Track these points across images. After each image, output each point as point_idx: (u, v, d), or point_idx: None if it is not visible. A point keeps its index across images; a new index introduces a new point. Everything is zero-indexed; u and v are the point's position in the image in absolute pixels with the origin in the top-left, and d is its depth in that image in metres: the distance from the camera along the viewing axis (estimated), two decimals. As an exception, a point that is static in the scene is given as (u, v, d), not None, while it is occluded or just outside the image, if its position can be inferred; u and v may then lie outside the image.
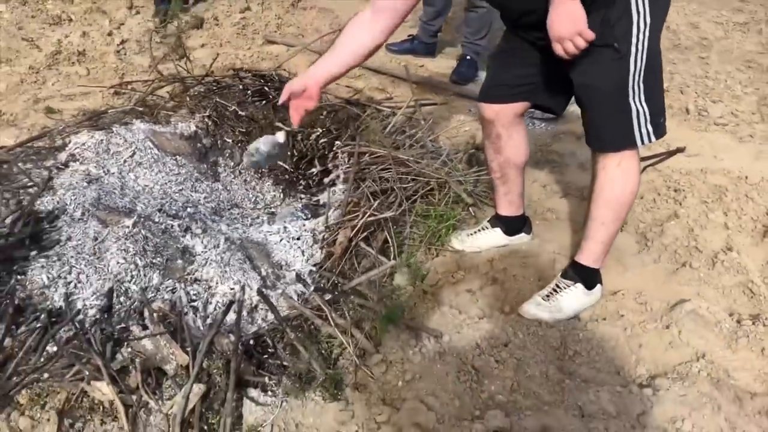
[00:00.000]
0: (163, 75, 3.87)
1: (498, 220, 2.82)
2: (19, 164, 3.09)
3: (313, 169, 3.56)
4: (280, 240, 2.85)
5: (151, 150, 3.41)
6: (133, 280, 2.48)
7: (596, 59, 1.96)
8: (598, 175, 2.20)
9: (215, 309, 2.43)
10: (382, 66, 4.59)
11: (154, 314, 2.23)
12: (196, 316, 2.38)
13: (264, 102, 3.71)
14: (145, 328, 2.22)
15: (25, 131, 3.41)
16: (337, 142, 3.19)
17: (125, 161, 3.29)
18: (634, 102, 2.01)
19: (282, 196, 3.69)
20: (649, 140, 2.09)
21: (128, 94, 3.80)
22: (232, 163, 3.70)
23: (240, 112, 3.61)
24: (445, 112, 3.95)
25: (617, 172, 2.14)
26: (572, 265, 2.45)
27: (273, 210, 3.57)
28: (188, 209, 3.11)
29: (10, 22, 4.81)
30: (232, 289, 2.50)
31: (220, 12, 5.34)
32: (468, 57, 4.58)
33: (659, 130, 2.09)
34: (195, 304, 2.42)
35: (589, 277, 2.40)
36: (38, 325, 2.25)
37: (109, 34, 4.68)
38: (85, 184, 3.02)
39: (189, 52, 4.26)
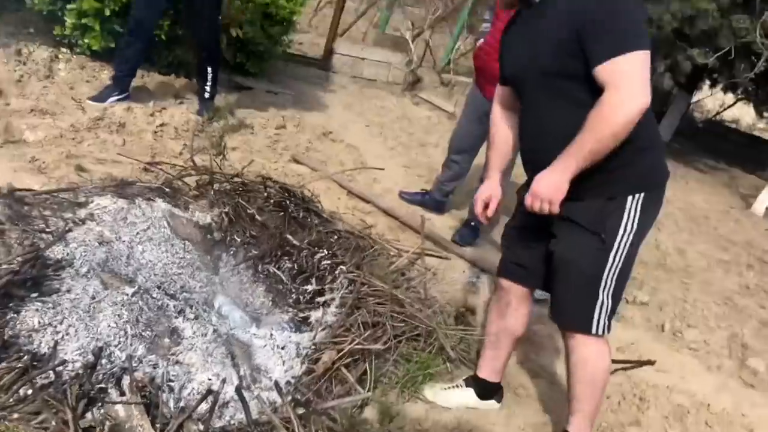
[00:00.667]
0: (195, 164, 4.08)
1: (474, 382, 2.92)
2: (41, 209, 3.21)
3: (309, 287, 3.68)
4: (264, 345, 2.92)
5: (164, 229, 3.56)
6: (120, 345, 2.53)
7: (583, 241, 2.16)
8: (570, 356, 2.36)
9: (190, 394, 2.46)
10: (392, 209, 4.85)
11: (134, 383, 2.26)
12: (170, 395, 2.41)
13: (281, 213, 3.89)
14: (122, 394, 2.24)
15: (53, 181, 3.56)
16: (341, 267, 3.34)
17: (138, 233, 3.42)
18: (603, 293, 2.19)
19: (271, 304, 3.79)
20: (604, 332, 2.26)
21: (156, 173, 3.99)
22: (234, 262, 3.83)
23: (257, 217, 3.78)
24: (443, 266, 4.15)
25: (586, 352, 2.29)
26: None
27: (258, 315, 3.66)
28: (184, 293, 3.20)
29: (64, 81, 5.10)
30: (210, 379, 2.54)
31: (258, 123, 5.69)
32: (472, 223, 4.85)
33: (610, 327, 2.28)
34: (172, 384, 2.46)
35: None
36: (19, 364, 2.27)
37: (152, 114, 4.96)
38: (97, 244, 3.13)
39: (226, 152, 4.52)
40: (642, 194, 2.14)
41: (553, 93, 2.13)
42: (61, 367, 2.33)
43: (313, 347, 2.88)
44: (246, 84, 6.69)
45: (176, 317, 2.85)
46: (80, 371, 2.31)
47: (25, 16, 5.59)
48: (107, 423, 2.11)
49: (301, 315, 3.64)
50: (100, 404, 2.19)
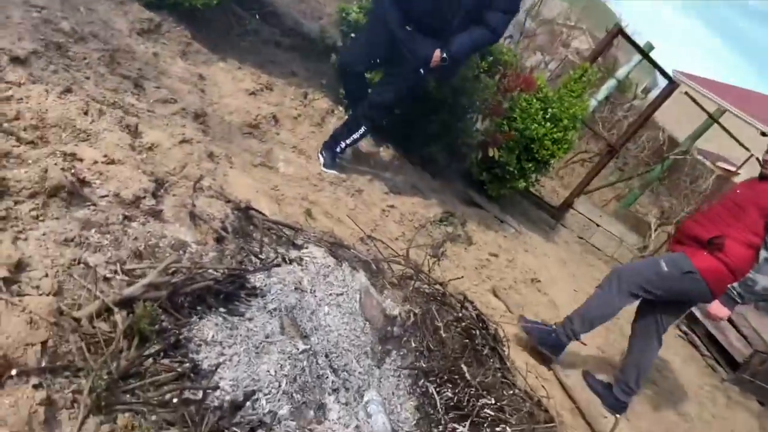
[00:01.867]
0: (408, 256, 4.04)
1: None
2: (262, 235, 3.33)
3: (460, 428, 3.38)
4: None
5: (355, 303, 3.51)
6: (269, 396, 2.44)
7: None
8: None
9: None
10: (573, 389, 4.40)
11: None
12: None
13: (465, 339, 3.68)
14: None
15: (283, 215, 3.69)
16: (506, 429, 3.02)
17: (331, 294, 3.40)
18: None
19: (414, 424, 3.53)
20: None
21: (370, 247, 4.01)
22: (399, 363, 3.65)
23: (441, 331, 3.61)
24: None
25: None
26: None
27: (398, 428, 3.42)
28: (344, 372, 3.07)
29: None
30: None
31: (475, 242, 5.61)
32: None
33: None
34: (298, 465, 2.30)
35: None
36: (179, 368, 2.26)
37: (386, 192, 5.09)
38: (293, 288, 3.15)
39: (441, 259, 4.45)
40: None
41: None
42: (211, 391, 2.28)
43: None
44: (477, 201, 6.70)
45: (330, 394, 2.72)
46: (225, 404, 2.23)
47: (325, 69, 6.12)
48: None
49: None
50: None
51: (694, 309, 7.55)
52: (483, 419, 3.32)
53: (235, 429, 2.18)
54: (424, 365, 3.66)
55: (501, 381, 3.48)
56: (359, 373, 3.36)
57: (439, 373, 3.60)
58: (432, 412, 3.57)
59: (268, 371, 2.53)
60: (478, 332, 3.62)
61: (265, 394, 2.44)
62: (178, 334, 2.37)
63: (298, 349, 2.72)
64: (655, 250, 9.09)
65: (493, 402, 3.33)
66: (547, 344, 4.42)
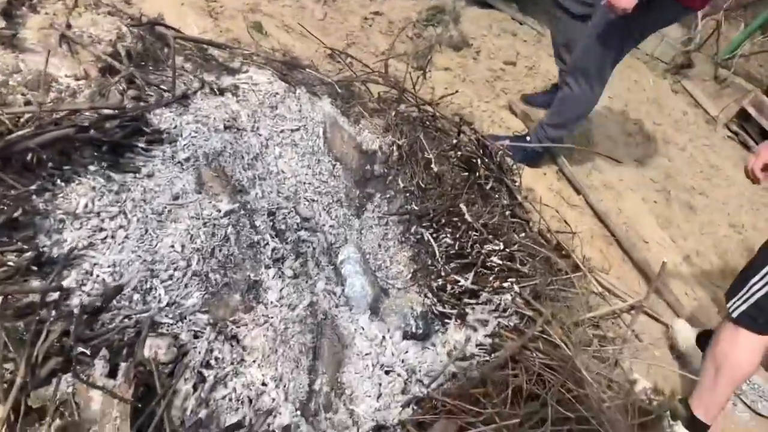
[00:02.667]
0: (386, 72, 3.15)
1: None
2: (180, 58, 2.47)
3: (463, 281, 2.69)
4: (366, 354, 2.00)
5: (318, 139, 2.71)
6: (169, 283, 1.73)
7: None
8: None
9: (223, 399, 1.62)
10: (607, 215, 3.63)
11: (135, 364, 1.45)
12: (192, 392, 1.58)
13: (466, 173, 2.89)
14: (112, 374, 1.44)
15: (217, 32, 2.79)
16: (515, 285, 2.29)
17: (283, 132, 2.59)
18: None
19: (409, 278, 2.86)
20: None
21: (342, 67, 3.12)
22: (385, 209, 2.91)
23: (434, 165, 2.81)
24: (656, 334, 2.92)
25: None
26: None
27: (388, 287, 2.76)
28: (302, 232, 2.34)
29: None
30: (264, 384, 1.68)
31: (486, 49, 4.63)
32: None
33: None
34: (206, 374, 1.63)
35: None
36: (11, 257, 1.54)
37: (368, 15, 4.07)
38: (221, 127, 2.34)
39: (431, 70, 3.53)
40: None
41: None
42: (69, 282, 1.57)
43: (425, 389, 1.91)
44: (490, 1, 5.58)
45: (268, 267, 2.00)
46: (88, 301, 1.53)
47: None
48: (63, 409, 1.31)
49: (439, 309, 2.70)
50: (69, 370, 1.39)
51: (746, 106, 6.55)
52: (490, 270, 2.61)
53: (95, 342, 1.48)
54: (416, 208, 2.91)
55: (511, 222, 2.72)
56: (330, 227, 2.65)
57: (434, 216, 2.86)
58: (430, 262, 2.89)
59: (173, 246, 1.81)
60: (480, 163, 2.81)
61: (164, 280, 1.73)
62: (18, 206, 1.62)
63: (219, 212, 1.97)
64: (701, 44, 7.86)
65: (502, 248, 2.59)
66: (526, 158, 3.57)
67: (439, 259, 2.87)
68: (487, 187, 2.78)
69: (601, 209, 3.81)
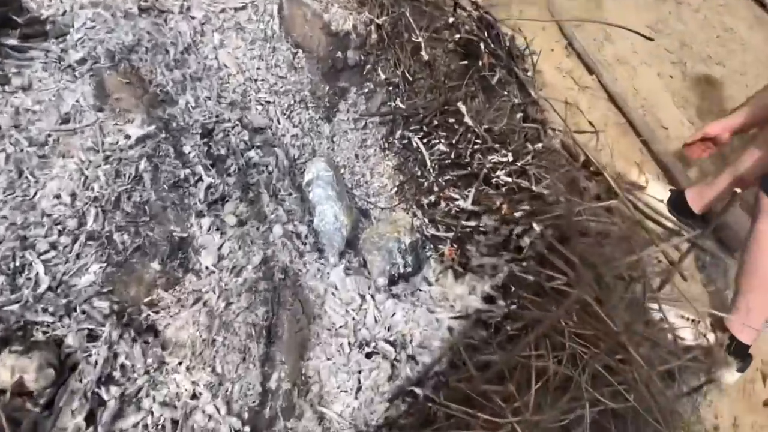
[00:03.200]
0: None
1: None
2: None
3: (462, 200, 2.17)
4: (340, 327, 1.51)
5: (271, 20, 2.07)
6: (52, 255, 1.20)
7: None
8: None
9: (130, 427, 1.14)
10: (632, 115, 3.11)
11: None
12: (81, 427, 1.09)
13: (464, 60, 2.28)
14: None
15: None
16: (535, 225, 1.75)
17: (222, 12, 1.95)
18: None
19: (393, 191, 2.35)
20: None
21: None
22: (363, 108, 2.33)
23: (423, 50, 2.20)
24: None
25: None
26: None
27: (369, 206, 2.25)
28: (253, 152, 1.77)
29: None
30: (192, 399, 1.19)
31: None
32: None
33: None
34: (106, 394, 1.13)
35: None
36: None
37: None
38: (134, 10, 1.70)
39: None
40: None
41: None
42: None
43: (418, 370, 1.44)
44: None
45: (200, 216, 1.46)
46: None
47: None
48: None
49: (431, 232, 2.21)
50: None
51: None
52: (497, 191, 2.09)
53: None
54: (401, 106, 2.33)
55: (521, 125, 2.14)
56: (293, 137, 2.08)
57: (425, 116, 2.28)
58: (419, 173, 2.35)
59: (58, 197, 1.25)
60: (483, 47, 2.19)
61: (43, 252, 1.18)
62: None
63: (129, 138, 1.40)
64: None
65: (510, 160, 2.05)
66: None
67: (431, 170, 2.33)
68: (494, 80, 2.17)
69: (616, 91, 3.28)
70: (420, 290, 1.95)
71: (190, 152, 1.54)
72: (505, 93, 2.17)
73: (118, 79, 1.54)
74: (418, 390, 1.31)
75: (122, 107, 1.51)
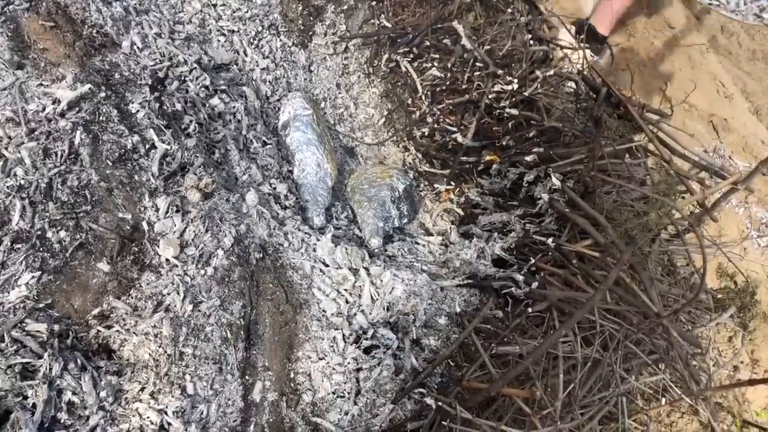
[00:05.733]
0: None
1: None
2: None
3: (460, 136, 1.92)
4: (332, 315, 1.30)
5: (226, -72, 1.71)
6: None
7: None
8: None
9: None
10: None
11: None
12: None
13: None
14: None
15: None
16: (552, 176, 1.49)
17: None
18: None
19: (381, 122, 2.09)
20: None
21: None
22: (343, 28, 2.02)
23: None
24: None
25: None
26: None
27: (352, 144, 2.00)
28: (216, 99, 1.49)
29: None
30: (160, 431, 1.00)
31: None
32: None
33: None
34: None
35: None
36: None
37: None
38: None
39: None
40: None
41: None
42: None
43: (424, 356, 1.26)
44: None
45: (155, 194, 1.21)
46: None
47: None
48: None
49: (425, 168, 1.99)
50: None
51: None
52: (500, 121, 1.83)
53: None
54: (387, 24, 2.02)
55: (529, 43, 1.84)
56: (263, 70, 1.78)
57: (414, 37, 1.98)
58: (410, 100, 2.08)
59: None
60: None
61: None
62: None
63: (58, 103, 1.13)
64: None
65: (517, 86, 1.77)
66: None
67: (423, 97, 2.05)
68: (495, -4, 1.86)
69: None
70: (418, 244, 1.73)
71: (137, 112, 1.25)
72: (509, 11, 1.86)
73: (39, 22, 1.23)
74: (429, 401, 1.11)
75: (48, 60, 1.21)
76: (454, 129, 1.97)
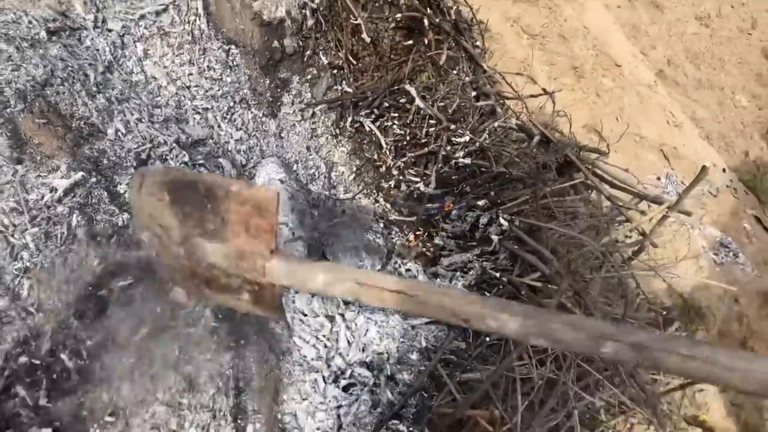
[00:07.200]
0: None
1: None
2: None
3: (423, 184, 2.09)
4: (312, 359, 1.44)
5: (195, 17, 1.91)
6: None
7: None
8: None
9: None
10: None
11: None
12: None
13: (407, 40, 2.15)
14: None
15: None
16: (501, 218, 1.67)
17: (142, 19, 1.79)
18: None
19: (351, 177, 2.26)
20: None
21: None
22: (308, 98, 2.20)
23: (364, 31, 2.06)
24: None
25: None
26: None
27: (332, 196, 2.16)
28: (198, 166, 1.66)
29: None
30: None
31: None
32: None
33: None
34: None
35: None
36: None
37: None
38: (42, 35, 1.54)
39: None
40: None
41: None
42: None
43: (397, 393, 1.39)
44: None
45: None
46: None
47: None
48: None
49: (395, 217, 2.15)
50: None
51: None
52: (457, 170, 2.00)
53: None
54: (348, 90, 2.21)
55: (473, 97, 2.03)
56: (237, 141, 1.95)
57: (374, 99, 2.17)
58: (375, 156, 2.26)
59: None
60: (426, 22, 2.05)
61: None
62: None
63: (55, 191, 1.28)
64: None
65: (468, 138, 1.96)
66: None
67: (387, 152, 2.24)
68: (441, 60, 2.05)
69: (565, 33, 3.21)
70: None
71: (125, 192, 1.41)
72: (454, 72, 2.05)
73: (34, 121, 1.40)
74: (402, 428, 1.25)
75: (43, 153, 1.37)
76: (417, 180, 2.15)
